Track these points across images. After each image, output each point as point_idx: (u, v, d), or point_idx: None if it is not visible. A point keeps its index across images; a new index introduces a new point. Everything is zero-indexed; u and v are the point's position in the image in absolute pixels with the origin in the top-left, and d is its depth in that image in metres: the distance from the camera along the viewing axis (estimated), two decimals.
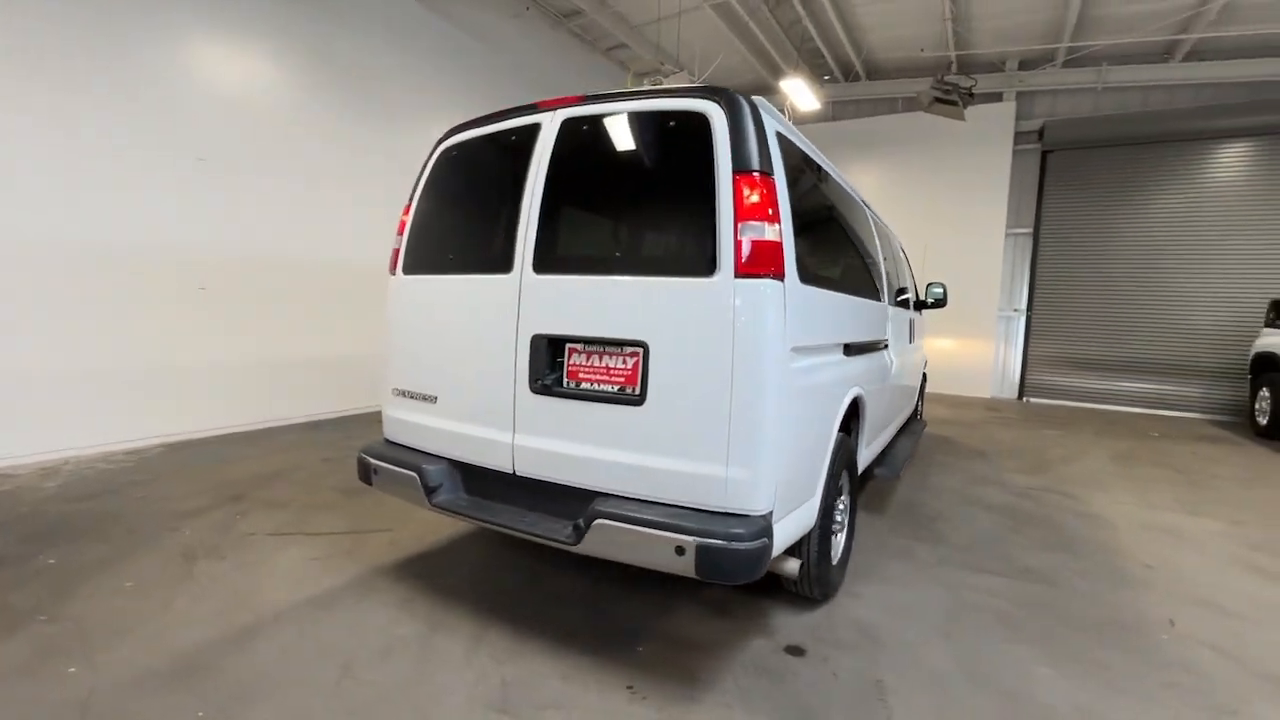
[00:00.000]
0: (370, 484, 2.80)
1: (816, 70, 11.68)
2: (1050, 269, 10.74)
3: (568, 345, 2.29)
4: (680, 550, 1.96)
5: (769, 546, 1.99)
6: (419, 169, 2.92)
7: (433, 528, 3.66)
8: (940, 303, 5.91)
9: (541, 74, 9.56)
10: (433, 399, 2.68)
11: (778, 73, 11.21)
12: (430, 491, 2.53)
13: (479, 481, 2.56)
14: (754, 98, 2.21)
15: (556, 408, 2.31)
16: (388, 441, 2.93)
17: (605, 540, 2.09)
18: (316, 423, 6.44)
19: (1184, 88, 9.65)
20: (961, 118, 9.01)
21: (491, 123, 2.70)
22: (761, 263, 2.01)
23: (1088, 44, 9.41)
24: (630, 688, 2.22)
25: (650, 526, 2.02)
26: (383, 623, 2.58)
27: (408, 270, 2.84)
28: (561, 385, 2.30)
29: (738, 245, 2.02)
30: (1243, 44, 9.00)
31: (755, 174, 2.05)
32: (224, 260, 5.72)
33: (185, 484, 4.26)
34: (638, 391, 2.14)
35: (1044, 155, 10.69)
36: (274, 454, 5.13)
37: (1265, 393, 7.95)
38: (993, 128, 10.75)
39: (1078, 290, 10.48)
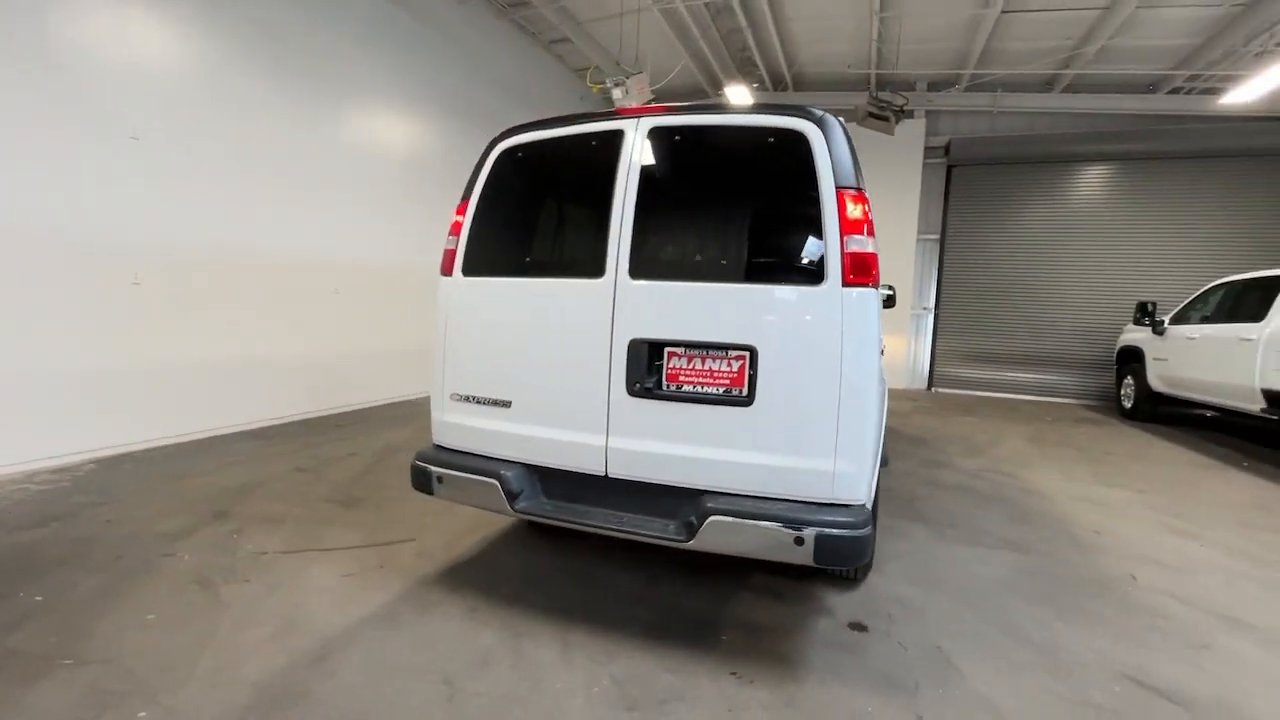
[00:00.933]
0: (430, 493, 2.70)
1: (747, 79, 12.20)
2: (954, 272, 11.93)
3: (667, 349, 2.36)
4: (800, 541, 2.10)
5: (874, 532, 2.18)
6: (474, 168, 2.84)
7: (456, 535, 3.56)
8: (890, 303, 6.45)
9: (483, 62, 9.28)
10: (506, 404, 2.63)
11: (713, 79, 11.60)
12: (513, 497, 2.49)
13: (560, 485, 2.56)
14: (839, 119, 2.38)
15: (655, 410, 2.37)
16: (440, 448, 2.83)
17: (719, 535, 2.19)
18: (263, 430, 5.92)
19: (1063, 115, 11.07)
20: (891, 132, 9.79)
21: (560, 126, 2.69)
22: (863, 272, 2.19)
23: (987, 72, 10.54)
24: (734, 674, 2.33)
25: (768, 520, 2.14)
26: (459, 634, 2.52)
27: (470, 271, 2.76)
28: (661, 388, 2.36)
29: (844, 256, 2.18)
30: (1112, 81, 10.46)
31: (855, 190, 2.23)
32: (160, 250, 5.12)
33: (148, 503, 3.82)
34: (745, 393, 2.26)
35: (949, 169, 11.84)
36: (232, 466, 4.69)
37: (1129, 380, 9.35)
38: (906, 143, 11.76)
39: (977, 291, 11.73)
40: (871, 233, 2.23)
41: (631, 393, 2.39)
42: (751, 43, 10.31)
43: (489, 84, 9.37)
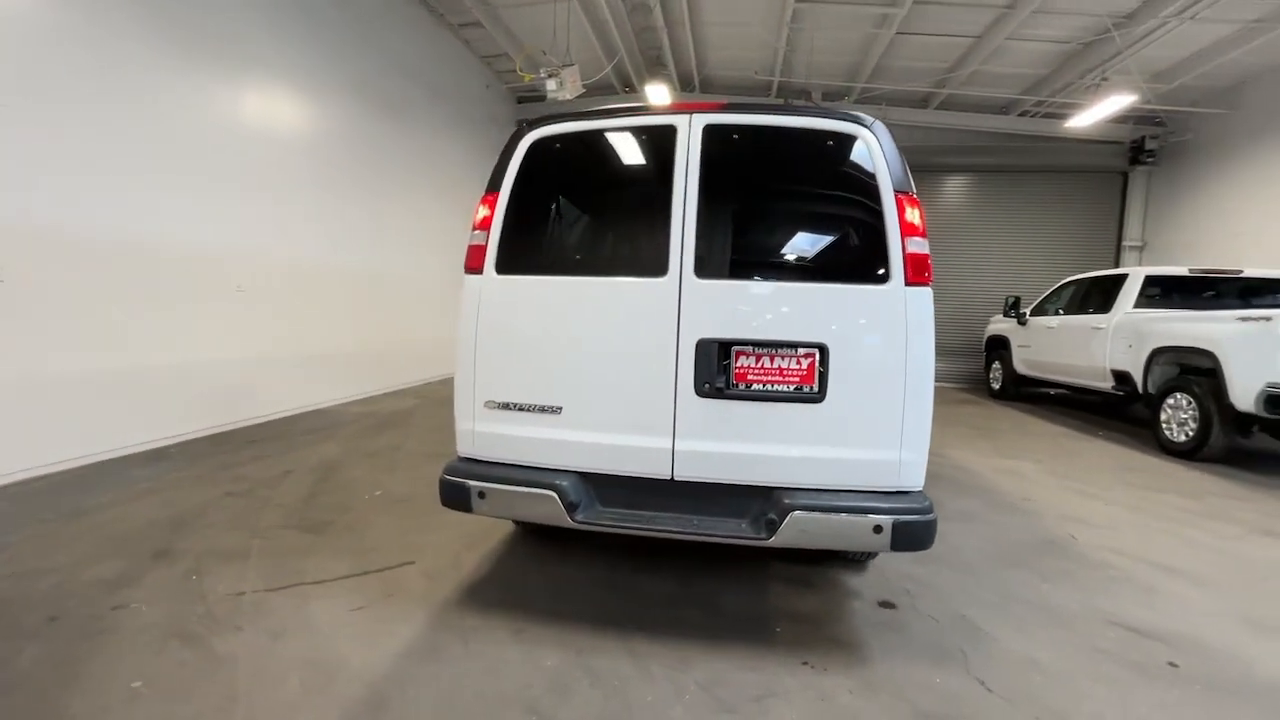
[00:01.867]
0: (467, 510, 2.48)
1: (654, 78, 12.36)
2: None
3: (735, 349, 2.35)
4: (878, 529, 2.20)
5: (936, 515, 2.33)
6: (500, 158, 2.64)
7: (455, 553, 3.31)
8: None
9: (392, 46, 8.60)
10: (556, 409, 2.48)
11: (623, 74, 11.61)
12: (572, 508, 2.36)
13: (617, 492, 2.47)
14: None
15: (724, 410, 2.35)
16: (470, 460, 2.61)
17: (800, 530, 2.23)
18: (161, 451, 5.09)
19: (936, 130, 12.36)
20: None
21: (600, 118, 2.58)
22: (921, 273, 2.33)
23: (876, 86, 11.51)
24: (806, 663, 2.39)
25: (847, 512, 2.22)
26: (520, 659, 2.35)
27: (505, 269, 2.56)
28: (730, 387, 2.35)
29: (905, 258, 2.31)
30: (977, 102, 11.86)
31: (911, 194, 2.35)
32: (16, 239, 4.22)
33: (56, 548, 3.15)
34: (816, 389, 2.31)
35: None
36: (143, 497, 4.00)
37: (996, 365, 10.71)
38: None
39: None
40: (926, 234, 2.37)
41: (700, 393, 2.36)
42: (666, 42, 10.45)
43: (399, 70, 8.72)
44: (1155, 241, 12.17)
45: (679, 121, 2.48)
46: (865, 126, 2.41)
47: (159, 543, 3.26)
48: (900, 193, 2.34)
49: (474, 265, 2.60)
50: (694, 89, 12.59)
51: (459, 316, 2.64)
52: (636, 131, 2.52)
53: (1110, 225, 12.38)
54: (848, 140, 2.40)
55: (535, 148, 2.60)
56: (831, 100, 12.44)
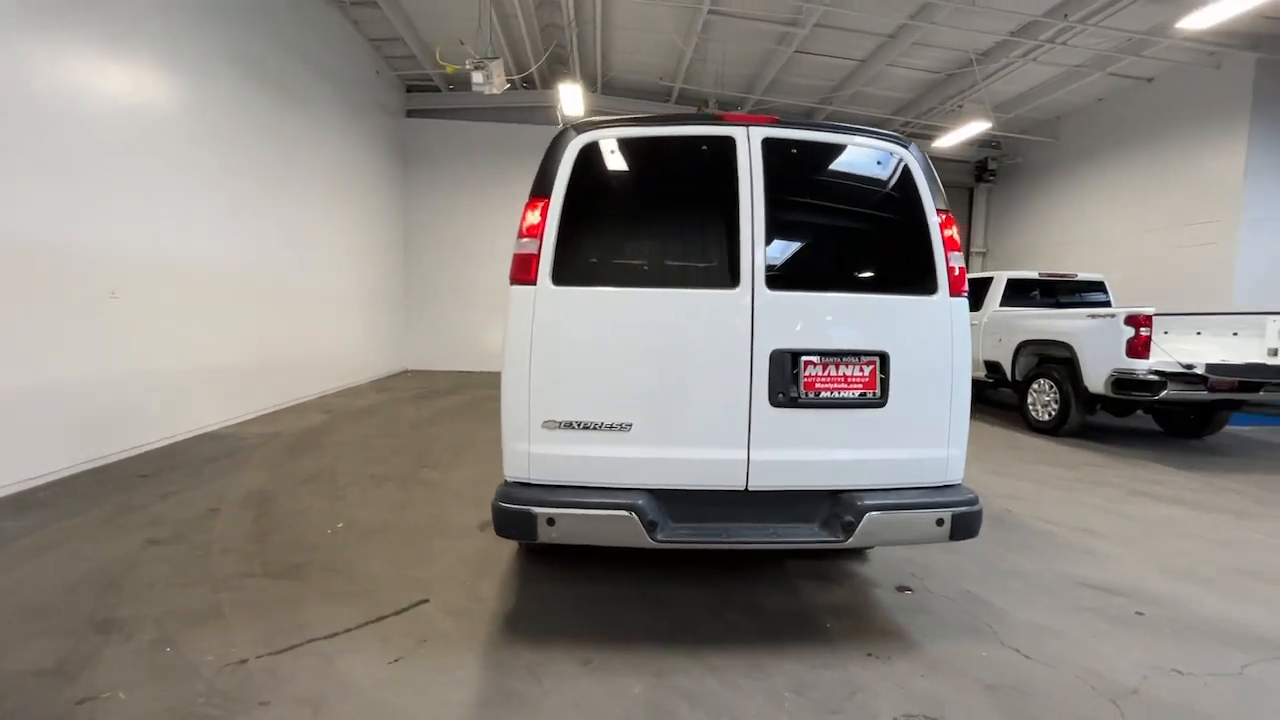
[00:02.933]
0: (532, 539, 2.30)
1: (554, 75, 12.16)
2: None
3: (803, 358, 2.41)
4: (940, 521, 2.38)
5: None
6: (544, 163, 2.48)
7: (464, 583, 3.07)
8: None
9: (279, 20, 7.65)
10: (625, 426, 2.38)
11: (523, 69, 11.27)
12: (652, 528, 2.29)
13: (686, 506, 2.42)
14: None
15: (796, 418, 2.41)
16: (525, 484, 2.42)
17: (874, 530, 2.35)
18: (29, 496, 4.13)
19: None
20: None
21: (655, 125, 2.52)
22: (960, 285, 2.54)
23: (769, 99, 12.23)
24: (870, 654, 2.52)
25: (915, 509, 2.38)
26: (607, 692, 2.23)
27: (562, 280, 2.40)
28: (801, 396, 2.41)
29: (949, 270, 2.51)
30: (853, 119, 13.00)
31: (948, 212, 2.56)
32: None
33: None
34: (879, 394, 2.44)
35: None
36: (32, 556, 3.24)
37: None
38: None
39: None
40: (961, 248, 2.59)
41: (774, 403, 2.38)
42: (573, 40, 10.32)
43: (285, 49, 7.77)
44: (995, 248, 14.16)
45: (737, 133, 2.49)
46: (904, 147, 2.58)
47: (94, 611, 2.66)
48: (940, 210, 2.54)
49: (524, 275, 2.42)
50: (596, 90, 12.55)
51: (506, 330, 2.44)
52: (694, 141, 2.49)
53: (960, 234, 14.19)
54: (892, 159, 2.56)
55: (586, 152, 2.46)
56: (727, 109, 13.02)
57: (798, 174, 2.51)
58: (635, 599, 2.97)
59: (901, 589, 3.15)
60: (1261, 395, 6.60)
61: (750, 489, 2.42)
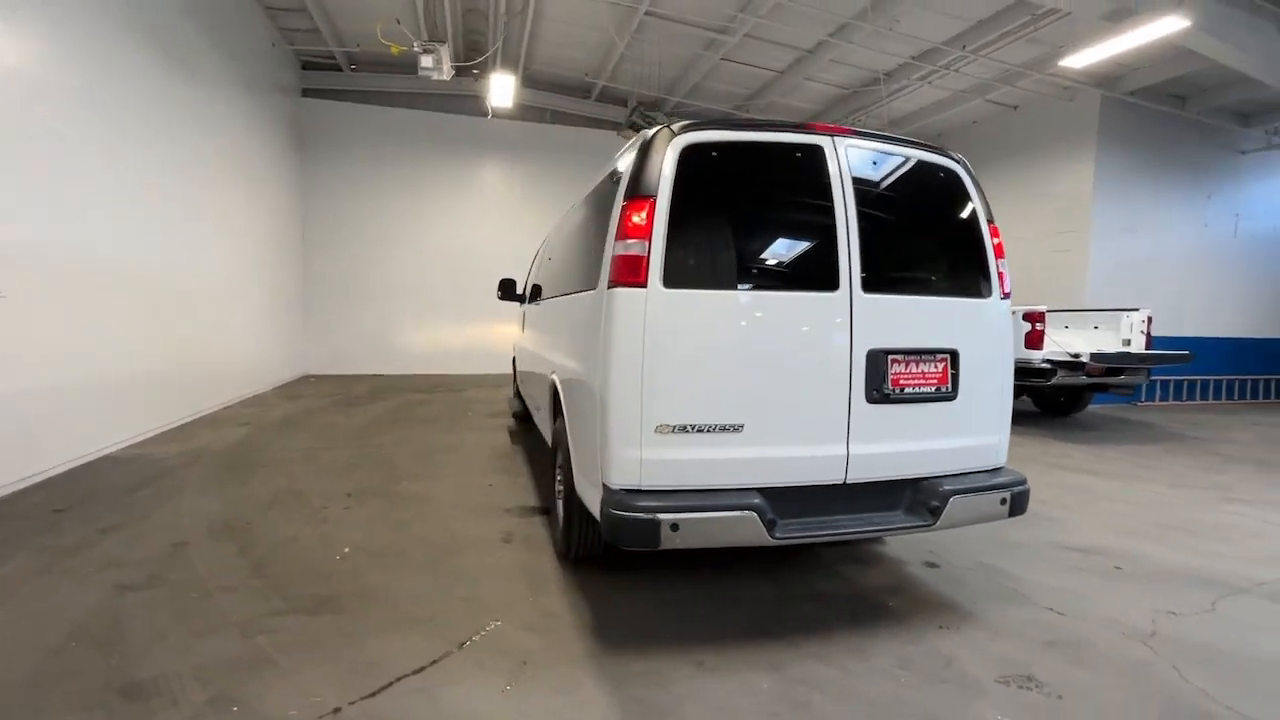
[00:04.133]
0: (655, 546, 2.26)
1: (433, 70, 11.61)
2: None
3: (891, 356, 2.57)
4: (1004, 501, 2.66)
5: None
6: (642, 162, 2.42)
7: (525, 599, 2.92)
8: None
9: None
10: (738, 428, 2.39)
11: (432, 54, 10.67)
12: (771, 526, 2.33)
13: (787, 502, 2.49)
14: None
15: (886, 413, 2.56)
16: (637, 491, 2.36)
17: (955, 513, 2.56)
18: None
19: None
20: None
21: (752, 130, 2.55)
22: (1006, 288, 2.83)
23: (689, 102, 12.55)
24: (941, 626, 2.75)
25: (985, 491, 2.63)
26: (740, 690, 2.24)
27: (672, 283, 2.35)
28: (891, 393, 2.56)
29: (1000, 275, 2.79)
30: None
31: (993, 222, 2.84)
32: None
33: None
34: (951, 388, 2.66)
35: None
36: None
37: None
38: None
39: None
40: (1004, 255, 2.88)
41: (870, 400, 2.52)
42: (498, 29, 9.93)
43: (178, 8, 6.77)
44: None
45: (824, 142, 2.59)
46: (958, 162, 2.82)
47: (107, 676, 2.22)
48: (989, 221, 2.81)
49: (632, 278, 2.35)
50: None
51: (610, 334, 2.36)
52: (793, 149, 2.56)
53: None
54: (952, 173, 2.79)
55: (687, 155, 2.44)
56: (650, 110, 13.18)
57: (877, 183, 2.66)
58: (708, 598, 2.99)
59: (929, 564, 3.44)
60: (1122, 379, 7.91)
61: (848, 482, 2.54)
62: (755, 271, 2.55)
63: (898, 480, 2.62)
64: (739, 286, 2.46)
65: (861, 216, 2.55)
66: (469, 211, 12.62)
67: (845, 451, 2.52)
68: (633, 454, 2.35)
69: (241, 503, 4.18)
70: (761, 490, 2.43)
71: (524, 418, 7.05)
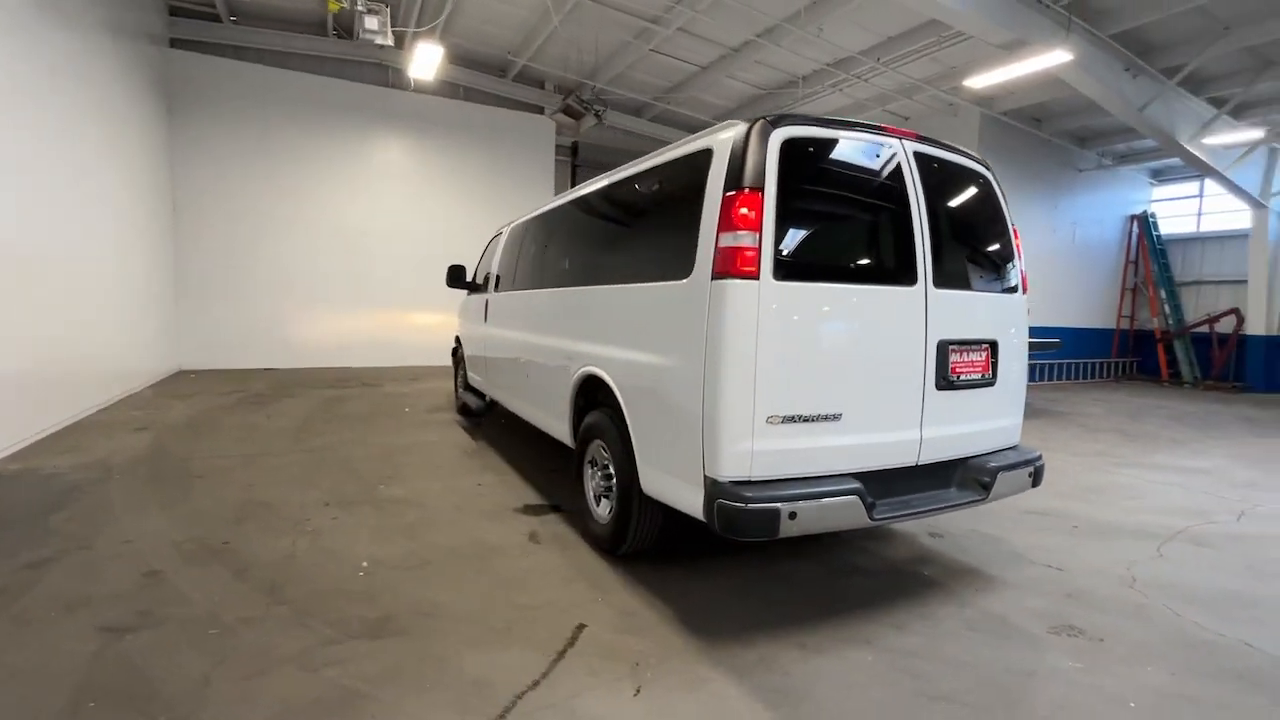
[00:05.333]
0: (774, 535, 2.29)
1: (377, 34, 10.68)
2: None
3: (951, 347, 2.78)
4: (1030, 475, 3.00)
5: None
6: (741, 154, 2.41)
7: (593, 599, 2.83)
8: None
9: None
10: (836, 416, 2.47)
11: (378, 14, 9.74)
12: (870, 508, 2.45)
13: (874, 485, 2.61)
14: None
15: (948, 399, 2.77)
16: (745, 482, 2.37)
17: (1000, 487, 2.85)
18: None
19: (635, 135, 13.95)
20: (577, 131, 10.52)
21: (840, 129, 2.62)
22: (1026, 285, 3.17)
23: (609, 90, 12.44)
24: (976, 590, 3.05)
25: (1021, 466, 2.95)
26: (849, 665, 2.35)
27: (784, 275, 2.37)
28: (953, 380, 2.78)
29: (1022, 274, 3.12)
30: (676, 119, 13.92)
31: (1014, 226, 3.16)
32: None
33: None
34: (991, 376, 2.94)
35: (574, 169, 13.44)
36: None
37: None
38: (539, 139, 12.75)
39: None
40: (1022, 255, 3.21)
41: (938, 387, 2.72)
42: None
43: None
44: None
45: (897, 145, 2.73)
46: (989, 169, 3.10)
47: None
48: (1012, 224, 3.13)
49: (742, 269, 2.33)
50: None
51: (722, 326, 2.34)
52: (876, 149, 2.67)
53: None
54: (986, 178, 3.06)
55: (786, 148, 2.46)
56: (562, 94, 12.89)
57: (935, 186, 2.85)
58: (764, 580, 3.07)
59: (934, 534, 3.78)
60: None
61: (919, 464, 2.73)
62: (848, 266, 2.64)
63: (954, 460, 2.86)
64: (836, 280, 2.54)
65: (930, 215, 2.74)
66: (371, 191, 11.57)
67: (919, 435, 2.71)
68: (744, 446, 2.36)
69: (199, 520, 3.61)
70: (855, 475, 2.55)
71: (472, 412, 6.71)
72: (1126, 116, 9.28)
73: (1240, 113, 10.39)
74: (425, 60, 8.68)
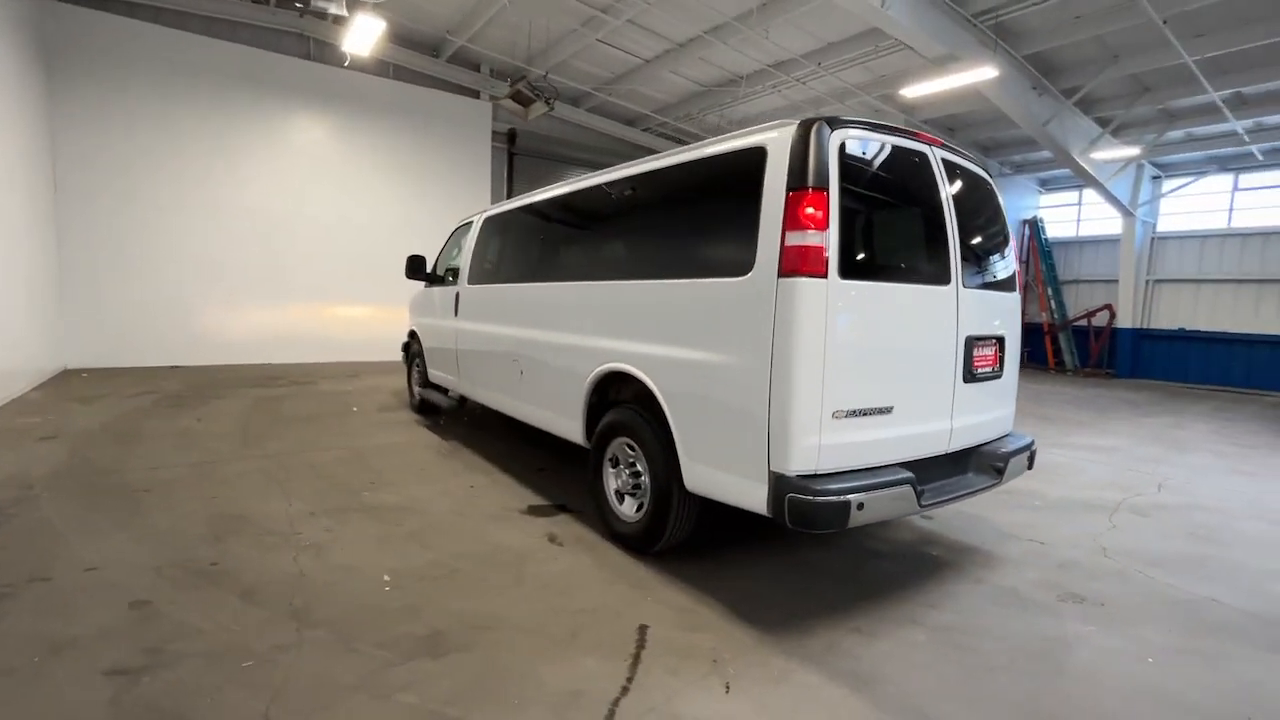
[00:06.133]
0: (843, 527, 2.36)
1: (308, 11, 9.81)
2: None
3: (975, 342, 2.98)
4: (1028, 459, 3.28)
5: None
6: (799, 153, 2.45)
7: (638, 600, 2.80)
8: None
9: None
10: (889, 410, 2.58)
11: None
12: (920, 496, 2.59)
13: (915, 473, 2.77)
14: None
15: (971, 390, 2.97)
16: (812, 475, 2.43)
17: (1011, 471, 3.09)
18: None
19: (571, 125, 13.70)
20: (525, 118, 10.16)
21: (885, 133, 2.71)
22: (1019, 284, 3.45)
23: (552, 78, 12.14)
24: (982, 566, 3.30)
25: (1023, 452, 3.22)
26: (907, 648, 2.47)
27: (847, 274, 2.43)
28: (975, 373, 2.98)
29: (1017, 274, 3.39)
30: (614, 111, 13.83)
31: (1023, 223, 3.42)
32: None
33: None
34: (1000, 369, 3.18)
35: (511, 157, 13.03)
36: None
37: None
38: (475, 124, 12.26)
39: None
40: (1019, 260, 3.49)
41: (965, 380, 2.91)
42: None
43: None
44: None
45: (927, 150, 2.88)
46: (989, 173, 3.34)
47: None
48: (1008, 227, 3.39)
49: (810, 267, 2.37)
50: None
51: (793, 323, 2.37)
52: (913, 154, 2.79)
53: None
54: (988, 182, 3.29)
55: (843, 149, 2.52)
56: (500, 79, 12.44)
57: (959, 189, 3.03)
58: (791, 568, 3.18)
59: (925, 517, 4.05)
60: None
61: (949, 452, 2.91)
62: (896, 266, 2.76)
63: (971, 448, 3.08)
64: (897, 279, 2.66)
65: (958, 217, 2.91)
66: (293, 174, 10.64)
67: (950, 425, 2.88)
68: (812, 440, 2.42)
69: (168, 540, 3.21)
70: (902, 465, 2.68)
71: (433, 410, 6.41)
72: (1031, 130, 10.26)
73: (1120, 132, 11.76)
74: (364, 33, 8.09)
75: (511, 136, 12.86)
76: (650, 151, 14.67)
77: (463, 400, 5.79)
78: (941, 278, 2.82)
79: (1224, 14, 7.96)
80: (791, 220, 2.43)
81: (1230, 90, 9.85)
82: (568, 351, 3.77)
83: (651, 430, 3.05)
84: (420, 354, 6.59)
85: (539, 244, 4.42)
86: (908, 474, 2.57)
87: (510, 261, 4.81)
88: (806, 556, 3.33)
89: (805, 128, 2.52)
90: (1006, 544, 3.64)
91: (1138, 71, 9.66)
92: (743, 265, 2.60)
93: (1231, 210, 13.53)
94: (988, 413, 3.15)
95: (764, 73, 10.95)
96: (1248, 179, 13.28)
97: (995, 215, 3.32)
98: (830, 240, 2.43)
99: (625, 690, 2.13)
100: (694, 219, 3.07)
